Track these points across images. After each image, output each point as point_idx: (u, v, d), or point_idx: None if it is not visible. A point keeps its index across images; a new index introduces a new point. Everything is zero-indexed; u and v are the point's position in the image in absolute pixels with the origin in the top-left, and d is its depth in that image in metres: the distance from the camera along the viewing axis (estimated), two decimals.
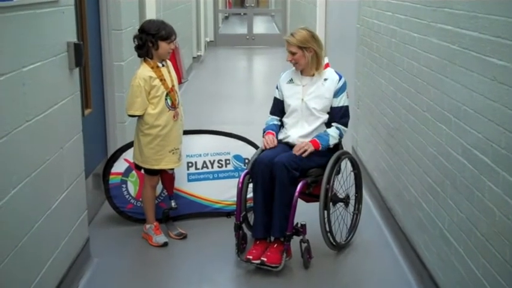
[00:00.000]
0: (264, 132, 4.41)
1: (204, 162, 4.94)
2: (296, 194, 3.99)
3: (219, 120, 8.29)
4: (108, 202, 4.85)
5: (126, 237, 4.62)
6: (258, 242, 4.11)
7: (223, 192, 4.95)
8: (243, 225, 4.27)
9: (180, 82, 5.32)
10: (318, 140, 4.16)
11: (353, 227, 4.53)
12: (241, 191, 4.19)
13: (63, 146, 3.63)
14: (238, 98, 10.22)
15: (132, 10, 5.89)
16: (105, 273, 4.11)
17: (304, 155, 4.08)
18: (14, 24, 2.95)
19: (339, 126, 4.26)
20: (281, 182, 4.01)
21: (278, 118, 4.44)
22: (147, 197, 4.52)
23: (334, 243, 4.25)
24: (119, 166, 4.77)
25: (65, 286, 3.69)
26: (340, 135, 4.27)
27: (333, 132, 4.23)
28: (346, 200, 4.42)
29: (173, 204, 4.58)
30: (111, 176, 4.79)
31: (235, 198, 4.88)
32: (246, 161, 4.96)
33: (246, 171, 4.28)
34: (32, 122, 3.14)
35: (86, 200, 4.22)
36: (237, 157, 4.98)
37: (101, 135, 5.40)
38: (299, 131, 4.25)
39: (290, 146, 4.26)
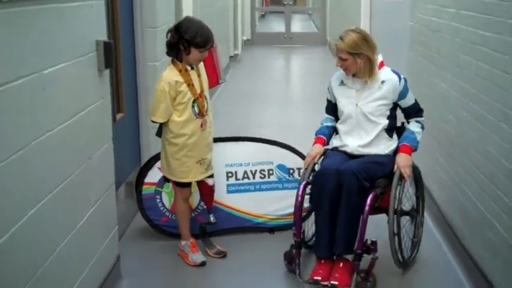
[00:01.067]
0: (316, 133, 4.04)
1: (245, 172, 4.52)
2: (367, 207, 3.58)
3: (256, 122, 7.90)
4: (140, 214, 4.46)
5: (160, 253, 4.23)
6: (322, 261, 3.69)
7: (266, 205, 4.53)
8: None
9: (217, 83, 4.90)
10: (408, 144, 3.80)
11: (416, 243, 4.10)
12: (301, 205, 3.76)
13: (91, 157, 3.25)
14: (276, 99, 9.79)
15: (169, 6, 5.51)
16: None
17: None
18: (35, 20, 2.57)
19: (418, 119, 3.91)
20: (349, 192, 3.60)
21: (333, 118, 4.05)
22: (180, 211, 4.13)
23: (401, 260, 3.84)
24: (153, 175, 4.37)
25: None
26: (423, 128, 3.91)
27: (415, 127, 3.87)
28: (412, 213, 3.99)
29: (212, 218, 4.17)
30: (144, 186, 4.40)
31: (280, 212, 4.52)
32: (291, 171, 4.54)
33: (304, 181, 3.83)
34: (54, 132, 2.75)
35: (117, 212, 3.85)
36: (281, 167, 4.55)
37: (134, 141, 5.03)
38: (357, 141, 3.84)
39: (349, 155, 3.85)
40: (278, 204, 4.53)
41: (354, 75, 3.82)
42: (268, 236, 4.48)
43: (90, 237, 3.28)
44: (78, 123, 3.04)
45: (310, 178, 3.86)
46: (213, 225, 4.21)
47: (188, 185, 4.06)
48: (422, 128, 3.91)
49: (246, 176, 4.52)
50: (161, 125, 3.95)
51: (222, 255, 4.15)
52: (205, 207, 4.26)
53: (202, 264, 4.03)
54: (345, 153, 3.86)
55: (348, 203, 3.61)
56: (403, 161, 3.73)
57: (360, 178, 3.59)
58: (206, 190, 4.13)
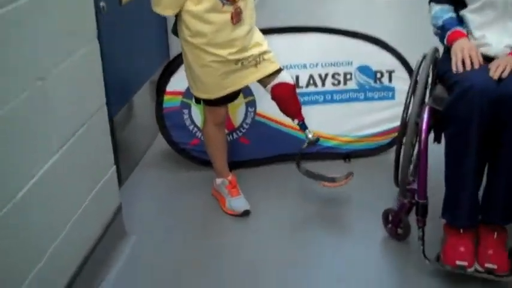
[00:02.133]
0: (443, 30, 2.53)
1: (311, 77, 3.15)
2: None
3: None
4: (161, 134, 3.20)
5: (187, 192, 3.01)
6: (461, 232, 2.35)
7: (340, 122, 3.22)
8: None
9: None
10: None
11: None
12: (427, 144, 2.36)
13: (52, 69, 1.95)
14: None
15: None
16: (144, 262, 2.53)
17: (504, 74, 2.26)
18: None
19: None
20: None
21: (452, 7, 2.56)
22: (211, 140, 2.84)
23: None
24: (179, 81, 3.03)
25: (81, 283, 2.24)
26: None
27: None
28: None
29: (310, 135, 2.72)
30: (166, 97, 3.10)
31: (360, 133, 3.24)
32: (378, 75, 3.15)
33: (428, 106, 2.40)
34: None
35: (135, 128, 2.88)
36: (364, 69, 3.15)
37: (159, 30, 3.69)
38: (504, 38, 2.39)
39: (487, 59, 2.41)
40: (357, 121, 3.23)
41: None
42: (341, 166, 3.18)
43: (64, 183, 2.09)
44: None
45: (428, 98, 2.49)
46: (314, 144, 2.76)
47: (223, 101, 2.72)
48: None
49: (312, 82, 3.16)
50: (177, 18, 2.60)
51: (350, 176, 2.76)
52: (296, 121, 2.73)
53: (245, 213, 2.79)
54: (484, 57, 2.41)
55: None
56: (503, 60, 2.31)
57: None
58: (285, 93, 2.66)
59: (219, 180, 2.87)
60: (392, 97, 3.17)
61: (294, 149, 2.91)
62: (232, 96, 2.73)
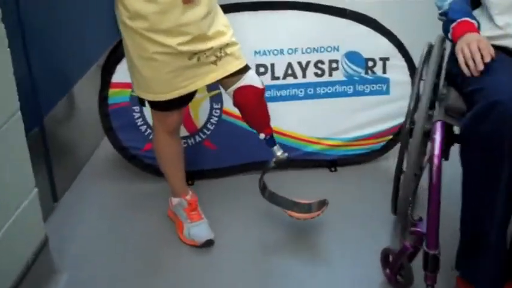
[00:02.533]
0: (448, 19, 2.02)
1: (290, 65, 2.59)
2: None
3: None
4: (107, 138, 2.61)
5: (138, 208, 2.43)
6: None
7: (324, 123, 2.66)
8: None
9: None
10: None
11: None
12: (440, 176, 1.75)
13: None
14: None
15: None
16: None
17: None
18: None
19: None
20: None
21: None
22: (163, 152, 2.26)
23: None
24: (126, 71, 2.37)
25: None
26: None
27: None
28: None
29: (279, 152, 2.17)
30: (112, 90, 2.52)
31: (348, 135, 2.67)
32: (370, 63, 2.60)
33: (440, 121, 1.82)
34: None
35: (75, 124, 2.47)
36: (353, 56, 2.60)
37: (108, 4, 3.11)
38: None
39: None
40: (345, 121, 2.68)
41: None
42: (327, 176, 2.64)
43: None
44: None
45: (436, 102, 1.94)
46: (282, 162, 2.19)
47: (173, 106, 2.12)
48: None
49: (291, 72, 2.60)
50: None
51: (322, 210, 2.20)
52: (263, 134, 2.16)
53: (208, 244, 2.23)
54: (506, 51, 1.90)
55: None
56: None
57: None
58: (251, 99, 2.09)
59: (175, 200, 2.30)
60: (387, 91, 2.64)
61: (269, 156, 2.25)
62: (186, 99, 2.15)
